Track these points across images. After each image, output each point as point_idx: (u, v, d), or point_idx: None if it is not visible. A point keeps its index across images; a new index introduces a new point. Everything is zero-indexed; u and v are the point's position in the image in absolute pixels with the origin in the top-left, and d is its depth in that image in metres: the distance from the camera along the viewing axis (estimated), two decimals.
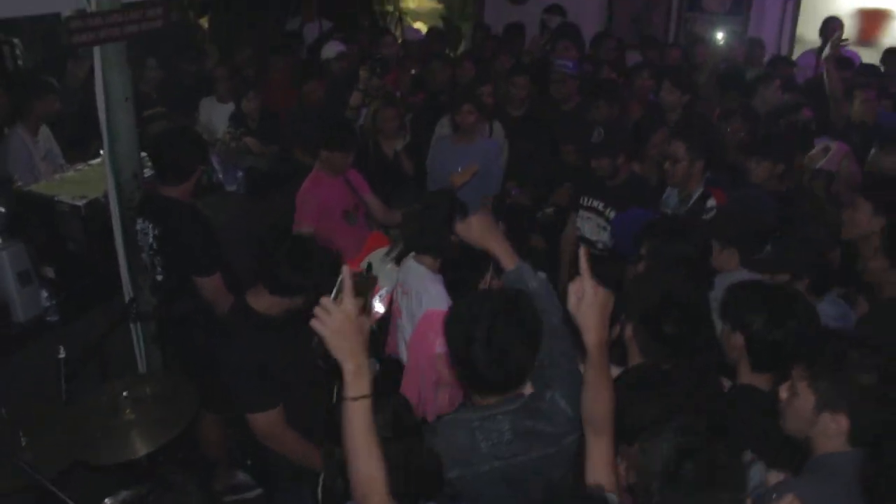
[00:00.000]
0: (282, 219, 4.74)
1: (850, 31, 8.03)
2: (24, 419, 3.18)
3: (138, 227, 3.87)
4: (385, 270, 3.85)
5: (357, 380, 1.79)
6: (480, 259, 3.20)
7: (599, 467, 2.04)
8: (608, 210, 4.48)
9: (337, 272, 3.07)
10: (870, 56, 7.56)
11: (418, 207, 3.40)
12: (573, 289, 1.98)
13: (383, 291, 4.00)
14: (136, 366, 4.24)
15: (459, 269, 3.25)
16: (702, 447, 1.84)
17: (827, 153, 4.48)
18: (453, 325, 2.33)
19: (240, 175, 5.44)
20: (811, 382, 2.13)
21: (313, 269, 3.02)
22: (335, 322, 1.77)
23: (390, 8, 9.78)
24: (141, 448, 2.96)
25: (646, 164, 4.84)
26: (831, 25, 7.46)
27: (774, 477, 2.26)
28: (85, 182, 4.50)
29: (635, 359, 2.70)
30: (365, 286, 1.85)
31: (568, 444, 2.33)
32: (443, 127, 5.72)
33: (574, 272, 2.05)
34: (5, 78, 6.80)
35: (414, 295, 3.33)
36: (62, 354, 3.31)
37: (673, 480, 1.81)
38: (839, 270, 3.65)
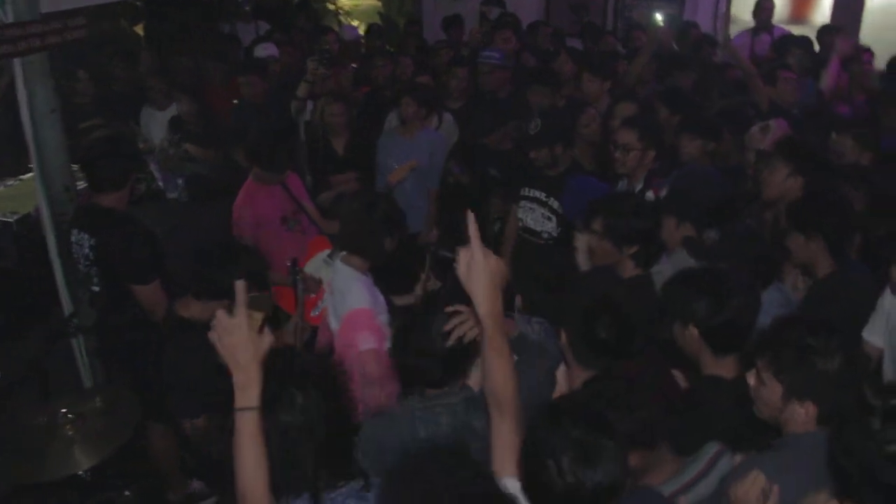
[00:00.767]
0: (224, 227, 4.68)
1: (782, 9, 8.27)
2: None
3: (73, 238, 3.79)
4: (326, 273, 3.83)
5: (244, 392, 1.83)
6: (413, 263, 3.22)
7: (503, 452, 1.97)
8: (550, 199, 4.49)
9: (265, 274, 3.07)
10: (802, 33, 7.70)
11: (356, 207, 3.37)
12: (463, 256, 1.94)
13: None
14: (80, 381, 4.17)
15: (393, 274, 3.24)
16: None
17: (767, 132, 4.53)
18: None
19: (180, 182, 5.37)
20: (776, 374, 2.17)
21: (237, 272, 3.00)
22: (225, 334, 1.83)
23: (330, 6, 9.74)
24: (84, 462, 2.93)
25: (580, 147, 4.85)
26: (764, 6, 7.62)
27: (740, 459, 2.31)
28: (15, 197, 4.40)
29: (575, 369, 2.66)
30: (260, 304, 1.90)
31: None
32: (391, 121, 5.75)
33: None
34: None
35: (338, 294, 3.31)
36: None
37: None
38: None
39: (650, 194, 4.08)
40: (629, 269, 3.28)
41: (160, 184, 5.38)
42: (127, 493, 3.20)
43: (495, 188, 5.32)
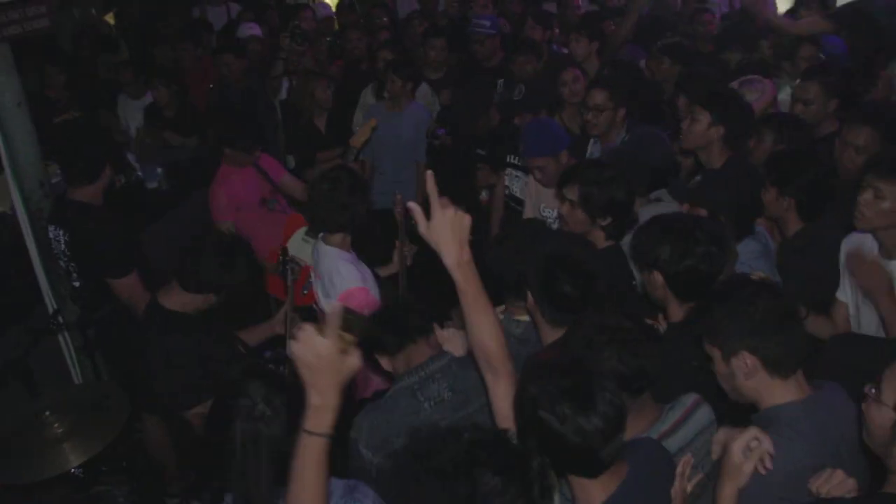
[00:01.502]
0: (205, 214, 4.61)
1: None
2: None
3: (51, 234, 3.75)
4: (306, 251, 3.78)
5: (317, 415, 1.69)
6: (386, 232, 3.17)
7: (505, 411, 1.96)
8: None
9: (255, 268, 3.01)
10: None
11: (321, 187, 3.31)
12: (418, 212, 1.90)
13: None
14: (69, 377, 4.12)
15: (372, 247, 3.20)
16: None
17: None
18: None
19: (159, 171, 5.29)
20: (711, 341, 2.14)
21: (236, 267, 2.97)
22: (309, 354, 1.67)
23: None
24: (73, 459, 2.88)
25: (567, 111, 4.80)
26: None
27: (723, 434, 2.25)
28: None
29: (545, 329, 2.63)
30: (356, 324, 1.73)
31: None
32: (366, 96, 5.72)
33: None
34: None
35: (327, 277, 3.27)
36: None
37: None
38: None
39: None
40: (601, 241, 3.19)
41: (139, 174, 5.29)
42: (121, 487, 3.15)
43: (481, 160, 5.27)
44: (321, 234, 3.33)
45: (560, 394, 1.78)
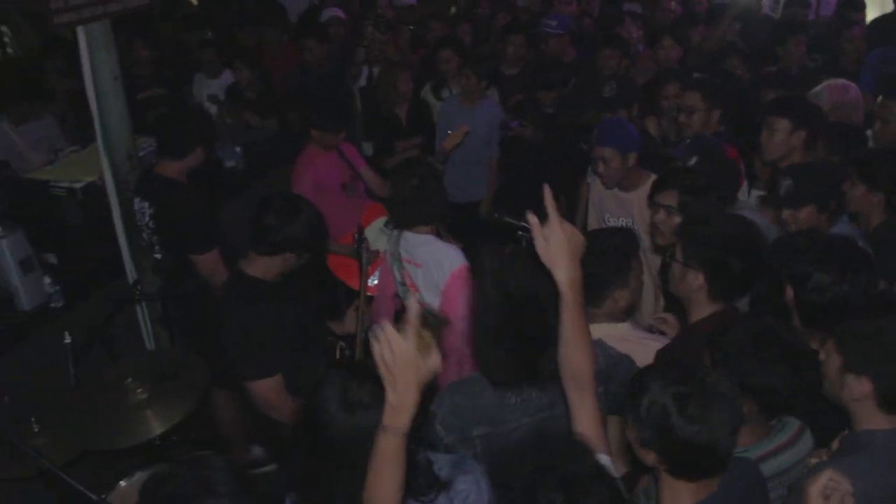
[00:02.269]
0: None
1: None
2: (35, 406, 3.19)
3: (136, 206, 3.84)
4: (382, 241, 3.81)
5: (395, 413, 1.70)
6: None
7: (587, 426, 1.93)
8: None
9: (325, 233, 3.02)
10: None
11: (402, 182, 3.33)
12: (537, 230, 1.87)
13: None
14: (143, 347, 4.23)
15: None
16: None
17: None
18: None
19: (238, 151, 5.36)
20: (839, 345, 2.11)
21: (299, 223, 2.98)
22: (388, 354, 1.69)
23: None
24: (155, 427, 2.94)
25: (665, 118, 4.75)
26: None
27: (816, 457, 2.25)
28: (81, 165, 4.45)
29: (702, 311, 2.65)
30: (434, 323, 1.74)
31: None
32: (426, 95, 5.78)
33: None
34: None
35: (433, 263, 3.28)
36: (68, 339, 3.31)
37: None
38: None
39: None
40: None
41: (218, 153, 5.38)
42: (207, 455, 3.20)
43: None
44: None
45: (686, 395, 1.80)
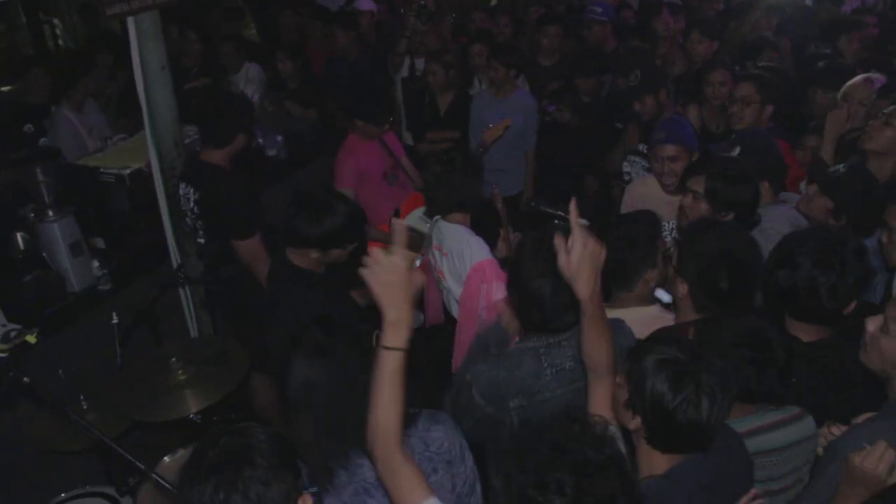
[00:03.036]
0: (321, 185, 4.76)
1: None
2: (85, 383, 3.32)
3: (181, 192, 3.94)
4: (425, 229, 3.85)
5: (394, 330, 1.81)
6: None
7: (599, 407, 2.07)
8: None
9: (359, 222, 3.08)
10: None
11: (438, 171, 3.38)
12: (560, 244, 1.93)
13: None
14: (186, 330, 4.34)
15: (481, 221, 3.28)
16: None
17: (872, 84, 4.26)
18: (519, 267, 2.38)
19: (279, 139, 5.46)
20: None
21: (328, 223, 3.03)
22: (382, 272, 1.79)
23: None
24: (193, 405, 3.08)
25: (706, 108, 4.72)
26: None
27: (837, 429, 2.25)
28: (129, 152, 4.57)
29: (685, 316, 2.66)
30: (417, 241, 1.86)
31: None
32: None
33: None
34: (47, 58, 6.92)
35: (456, 254, 3.33)
36: (115, 320, 3.42)
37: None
38: None
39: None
40: None
41: (260, 141, 5.48)
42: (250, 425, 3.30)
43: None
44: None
45: (676, 375, 1.86)
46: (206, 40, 6.52)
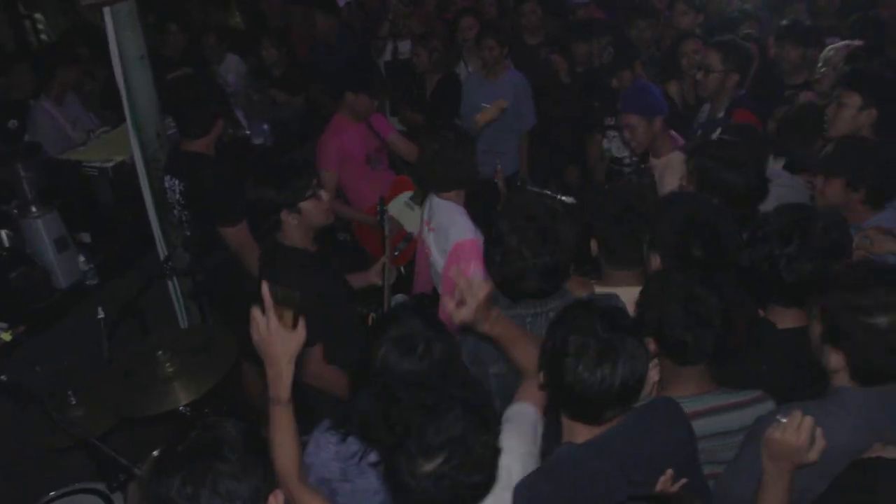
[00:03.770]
0: None
1: None
2: (73, 379, 3.30)
3: (166, 184, 3.90)
4: (410, 214, 3.83)
5: (274, 385, 1.96)
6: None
7: (527, 394, 2.16)
8: None
9: (311, 175, 3.05)
10: None
11: (432, 148, 3.33)
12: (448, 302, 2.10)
13: (410, 235, 4.01)
14: (175, 322, 4.32)
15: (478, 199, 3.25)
16: None
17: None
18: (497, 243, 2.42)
19: (266, 128, 5.41)
20: (821, 312, 2.07)
21: (285, 181, 2.98)
22: (257, 333, 1.95)
23: None
24: (183, 398, 3.03)
25: (685, 81, 4.67)
26: None
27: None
28: (112, 145, 4.52)
29: None
30: (288, 301, 1.96)
31: None
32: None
33: None
34: (30, 53, 6.85)
35: (442, 230, 3.31)
36: (101, 315, 3.38)
37: None
38: None
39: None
40: None
41: (246, 130, 5.43)
42: (218, 420, 3.27)
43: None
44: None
45: (588, 345, 1.84)
46: (186, 29, 6.45)
